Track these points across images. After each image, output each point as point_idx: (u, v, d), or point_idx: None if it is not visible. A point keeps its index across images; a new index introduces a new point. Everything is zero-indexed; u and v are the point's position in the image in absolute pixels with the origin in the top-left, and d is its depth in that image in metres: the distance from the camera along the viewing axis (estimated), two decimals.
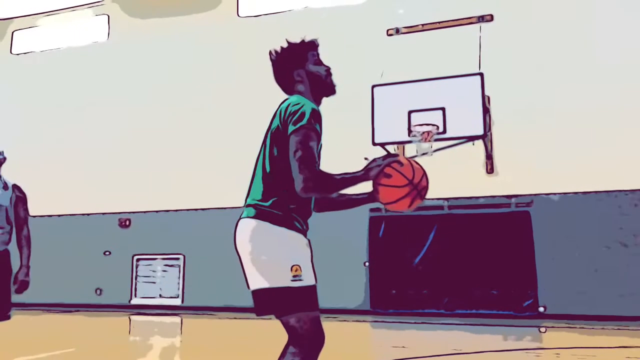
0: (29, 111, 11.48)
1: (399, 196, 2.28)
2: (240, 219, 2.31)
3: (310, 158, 2.16)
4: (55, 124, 11.19)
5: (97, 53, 11.24)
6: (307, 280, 2.21)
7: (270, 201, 2.26)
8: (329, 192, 2.27)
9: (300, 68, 2.44)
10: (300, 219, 2.29)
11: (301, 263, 2.21)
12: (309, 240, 2.32)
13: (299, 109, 2.23)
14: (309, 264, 2.26)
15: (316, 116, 2.24)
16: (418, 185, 2.28)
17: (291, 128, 2.21)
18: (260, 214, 2.25)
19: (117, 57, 11.02)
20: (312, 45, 2.48)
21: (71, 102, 11.18)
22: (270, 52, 2.48)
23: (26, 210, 3.91)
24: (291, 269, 2.17)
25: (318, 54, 2.49)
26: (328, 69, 2.46)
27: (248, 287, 2.26)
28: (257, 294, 2.22)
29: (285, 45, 2.46)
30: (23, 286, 3.70)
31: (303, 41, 2.48)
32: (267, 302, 2.21)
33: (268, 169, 2.29)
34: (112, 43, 11.21)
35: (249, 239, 2.25)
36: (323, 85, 2.45)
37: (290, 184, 2.22)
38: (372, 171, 2.26)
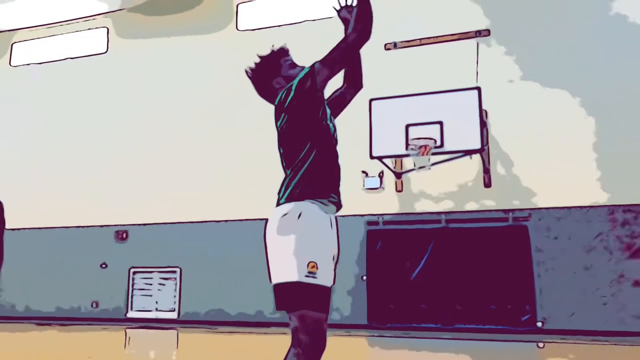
0: (26, 123, 11.47)
1: None
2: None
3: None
4: (52, 136, 11.18)
5: (96, 66, 11.26)
6: (322, 279, 2.20)
7: (298, 177, 2.30)
8: (363, 22, 2.35)
9: (277, 76, 2.52)
10: (331, 187, 2.34)
11: (319, 261, 2.20)
12: (336, 219, 2.36)
13: (302, 74, 2.35)
14: (328, 264, 2.26)
15: None
16: None
17: (308, 67, 2.33)
18: (290, 196, 2.28)
19: (116, 70, 11.05)
20: (283, 52, 2.58)
21: (69, 115, 11.19)
22: (246, 71, 2.56)
23: (2, 221, 3.78)
24: (307, 265, 2.16)
25: (291, 58, 2.56)
26: (303, 69, 2.52)
27: (270, 281, 2.27)
28: (275, 288, 2.24)
29: (257, 60, 2.54)
30: None
31: (273, 51, 2.57)
32: (279, 296, 2.21)
33: (292, 160, 2.36)
34: (111, 56, 11.25)
35: (273, 231, 2.27)
36: None
37: (313, 159, 2.29)
38: None
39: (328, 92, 2.55)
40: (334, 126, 2.49)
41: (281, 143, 2.41)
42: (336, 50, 2.33)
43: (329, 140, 2.41)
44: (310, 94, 2.31)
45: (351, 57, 2.40)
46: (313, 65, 2.33)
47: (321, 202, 2.29)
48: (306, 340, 2.15)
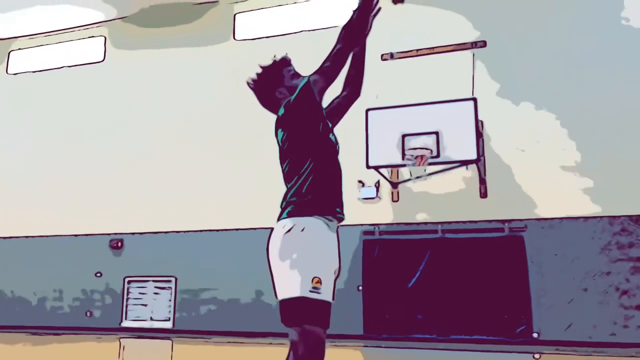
0: (23, 131, 11.45)
1: None
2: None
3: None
4: (48, 145, 11.16)
5: (93, 74, 11.27)
6: (325, 295, 2.20)
7: (301, 193, 2.29)
8: (355, 28, 2.45)
9: (280, 86, 2.51)
10: (335, 202, 2.34)
11: (323, 276, 2.19)
12: (338, 233, 2.34)
13: (297, 90, 2.34)
14: (330, 280, 2.26)
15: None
16: None
17: (304, 81, 2.33)
18: (293, 211, 2.27)
19: (113, 79, 11.05)
20: (285, 62, 2.57)
21: (65, 123, 11.17)
22: (247, 83, 2.55)
23: None
24: (312, 280, 2.16)
25: (293, 68, 2.56)
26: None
27: (276, 297, 2.26)
28: (280, 303, 2.24)
29: (259, 71, 2.53)
30: None
31: (275, 61, 2.54)
32: (284, 311, 2.21)
33: (294, 174, 2.34)
34: (108, 65, 11.25)
35: (277, 246, 2.26)
36: None
37: (316, 173, 2.28)
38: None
39: (327, 100, 2.54)
40: (335, 139, 2.48)
41: (283, 157, 2.39)
42: (328, 59, 2.33)
43: (332, 154, 2.39)
44: (310, 108, 2.30)
45: (344, 63, 2.40)
46: (308, 78, 2.32)
47: (325, 218, 2.27)
48: (305, 355, 2.15)
